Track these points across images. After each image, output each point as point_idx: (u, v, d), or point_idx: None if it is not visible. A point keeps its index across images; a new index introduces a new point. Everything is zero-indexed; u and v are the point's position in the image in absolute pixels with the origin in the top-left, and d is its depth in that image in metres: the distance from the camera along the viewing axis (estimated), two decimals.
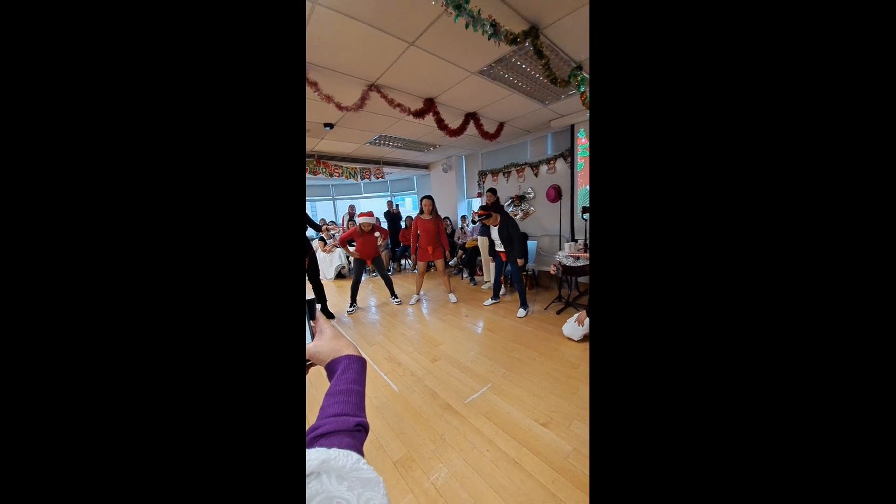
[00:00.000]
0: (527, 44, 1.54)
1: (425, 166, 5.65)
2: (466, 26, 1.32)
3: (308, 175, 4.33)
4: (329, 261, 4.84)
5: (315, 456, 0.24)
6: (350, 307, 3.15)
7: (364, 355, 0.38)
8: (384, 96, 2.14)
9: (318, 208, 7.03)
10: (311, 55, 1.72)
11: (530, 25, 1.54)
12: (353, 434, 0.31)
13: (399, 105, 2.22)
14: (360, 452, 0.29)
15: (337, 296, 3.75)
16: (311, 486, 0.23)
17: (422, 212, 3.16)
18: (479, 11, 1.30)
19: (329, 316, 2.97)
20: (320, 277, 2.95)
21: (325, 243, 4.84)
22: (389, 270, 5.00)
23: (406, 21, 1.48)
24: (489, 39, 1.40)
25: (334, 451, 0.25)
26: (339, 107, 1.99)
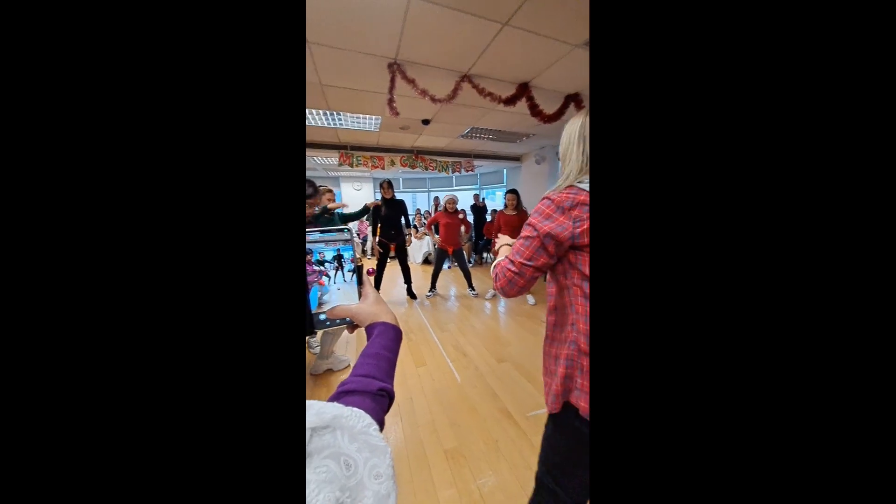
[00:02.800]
0: None
1: (517, 158, 5.38)
2: None
3: (407, 169, 4.77)
4: (419, 246, 5.29)
5: (330, 410, 0.24)
6: (429, 291, 3.35)
7: (397, 324, 0.40)
8: (475, 86, 2.10)
9: (418, 200, 7.72)
10: (409, 52, 1.84)
11: None
12: (375, 398, 0.31)
13: (490, 94, 2.15)
14: (380, 416, 0.29)
15: (421, 279, 4.06)
16: (325, 438, 0.23)
17: (505, 206, 3.03)
18: None
19: (412, 297, 3.25)
20: (408, 260, 3.24)
21: (417, 230, 5.29)
22: (470, 262, 5.07)
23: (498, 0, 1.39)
24: None
25: (348, 410, 0.25)
26: (432, 100, 2.08)
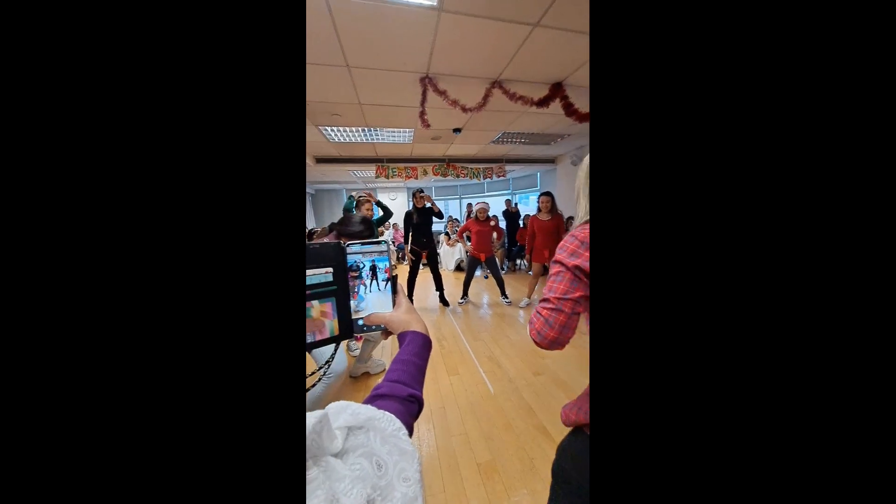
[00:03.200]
0: None
1: (551, 160, 5.20)
2: None
3: (439, 177, 4.86)
4: (451, 254, 5.32)
5: (364, 412, 0.25)
6: (461, 299, 3.33)
7: (427, 333, 0.41)
8: (506, 91, 2.09)
9: (450, 207, 7.82)
10: (440, 65, 1.89)
11: None
12: (405, 402, 0.32)
13: (521, 98, 2.12)
14: (408, 421, 0.30)
15: (452, 286, 4.06)
16: (358, 438, 0.24)
17: (539, 211, 2.92)
18: None
19: (444, 304, 3.25)
20: (439, 268, 3.27)
21: (450, 237, 5.33)
22: (504, 269, 4.96)
23: (527, 2, 1.38)
24: None
25: (380, 413, 0.26)
26: (463, 109, 2.10)
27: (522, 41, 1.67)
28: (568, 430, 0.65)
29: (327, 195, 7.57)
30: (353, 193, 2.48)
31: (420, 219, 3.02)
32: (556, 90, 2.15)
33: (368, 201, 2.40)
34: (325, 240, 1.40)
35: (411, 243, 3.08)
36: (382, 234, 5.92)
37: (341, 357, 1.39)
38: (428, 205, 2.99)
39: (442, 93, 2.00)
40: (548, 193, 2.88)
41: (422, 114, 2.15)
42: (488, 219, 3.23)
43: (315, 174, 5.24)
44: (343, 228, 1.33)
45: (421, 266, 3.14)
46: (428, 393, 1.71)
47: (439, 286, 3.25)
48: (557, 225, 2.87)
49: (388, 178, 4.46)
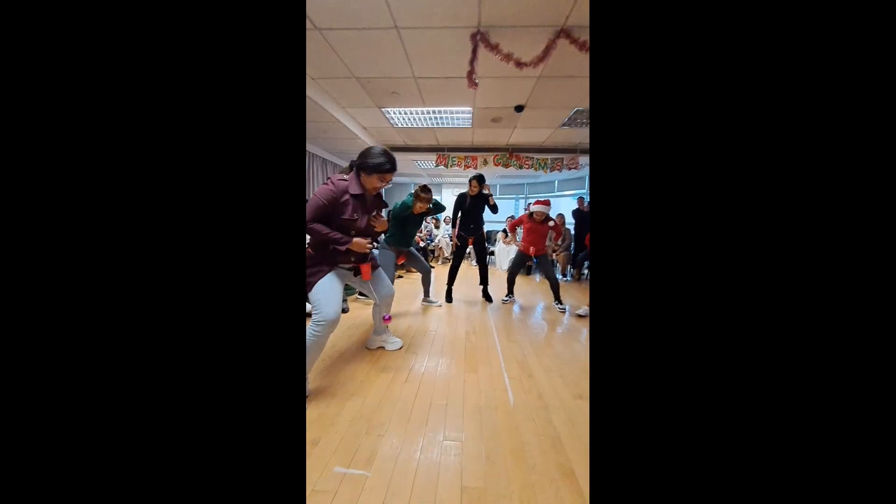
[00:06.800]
0: None
1: None
2: None
3: (501, 168, 4.53)
4: (507, 253, 4.91)
5: None
6: (506, 297, 2.96)
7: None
8: (574, 40, 1.69)
9: (519, 207, 7.29)
10: (493, 15, 1.64)
11: None
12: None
13: None
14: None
15: (500, 284, 3.67)
16: None
17: None
18: None
19: (488, 299, 2.95)
20: (490, 265, 2.97)
21: (507, 235, 4.94)
22: (566, 278, 4.30)
23: None
24: None
25: None
26: (517, 64, 1.79)
27: None
28: None
29: (398, 189, 7.99)
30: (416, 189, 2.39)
31: (472, 203, 2.81)
32: None
33: (430, 201, 2.25)
34: (346, 177, 1.33)
35: (459, 228, 2.89)
36: (438, 227, 5.90)
37: (334, 307, 1.26)
38: (485, 192, 2.75)
39: (494, 47, 1.74)
40: None
41: (470, 73, 1.92)
42: (547, 218, 2.78)
43: None
44: (364, 161, 1.32)
45: (467, 257, 2.90)
46: (436, 386, 1.46)
47: (484, 279, 2.95)
48: None
49: (447, 167, 4.38)
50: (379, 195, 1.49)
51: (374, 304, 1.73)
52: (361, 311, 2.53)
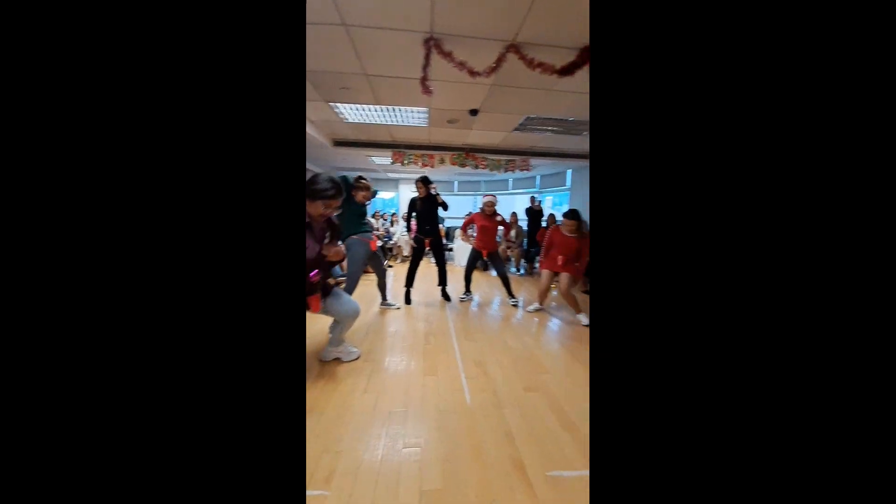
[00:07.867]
0: None
1: (584, 156, 4.70)
2: None
3: (458, 168, 4.61)
4: (465, 249, 5.05)
5: None
6: (463, 294, 3.08)
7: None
8: (522, 57, 1.79)
9: (478, 203, 7.50)
10: (444, 23, 1.65)
11: None
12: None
13: (540, 65, 1.80)
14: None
15: (458, 282, 3.79)
16: None
17: (563, 224, 2.55)
18: None
19: (446, 298, 3.02)
20: (448, 262, 3.04)
21: (466, 233, 5.06)
22: (520, 272, 4.59)
23: None
24: None
25: None
26: (471, 73, 1.83)
27: None
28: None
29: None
30: (360, 175, 2.43)
31: (423, 205, 2.83)
32: (586, 55, 1.80)
33: (368, 189, 2.35)
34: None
35: (415, 231, 2.90)
36: (394, 225, 5.82)
37: None
38: (433, 192, 2.79)
39: (447, 54, 1.75)
40: (574, 215, 2.46)
41: (423, 79, 1.91)
42: (495, 213, 2.93)
43: (335, 158, 5.25)
44: (307, 189, 1.29)
45: (425, 257, 2.93)
46: (395, 392, 1.48)
47: (443, 280, 3.02)
48: (580, 247, 2.48)
49: (403, 164, 4.31)
50: (330, 221, 1.45)
51: (333, 320, 1.67)
52: (314, 324, 2.37)
